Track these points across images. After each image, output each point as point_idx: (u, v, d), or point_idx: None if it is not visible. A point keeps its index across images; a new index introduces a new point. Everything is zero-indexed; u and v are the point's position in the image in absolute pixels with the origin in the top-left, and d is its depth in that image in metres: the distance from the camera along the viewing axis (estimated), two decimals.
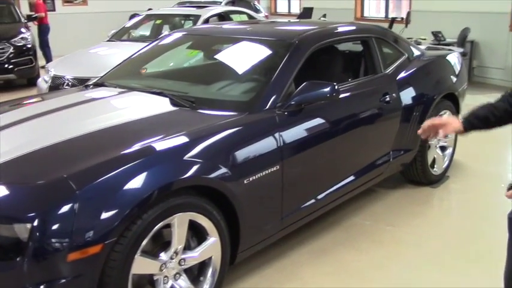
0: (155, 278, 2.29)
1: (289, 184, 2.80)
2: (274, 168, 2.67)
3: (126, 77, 3.55)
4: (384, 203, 3.87)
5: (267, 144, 2.66)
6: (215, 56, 3.60)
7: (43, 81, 5.80)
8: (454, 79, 4.23)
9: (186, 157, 2.34)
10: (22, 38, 8.41)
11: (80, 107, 2.95)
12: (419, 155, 3.85)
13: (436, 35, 8.23)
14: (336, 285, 2.81)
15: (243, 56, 3.29)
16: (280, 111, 2.79)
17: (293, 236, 3.25)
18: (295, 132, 2.84)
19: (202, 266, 2.50)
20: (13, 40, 8.29)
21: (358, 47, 3.85)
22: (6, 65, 8.09)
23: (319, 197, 3.08)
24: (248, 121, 2.67)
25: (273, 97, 2.80)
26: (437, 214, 3.84)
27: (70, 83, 5.38)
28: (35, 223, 1.91)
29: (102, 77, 3.57)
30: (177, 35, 3.89)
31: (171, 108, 2.82)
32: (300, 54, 3.05)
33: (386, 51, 3.82)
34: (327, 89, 2.83)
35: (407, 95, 3.71)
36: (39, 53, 9.29)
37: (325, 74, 3.48)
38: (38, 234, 1.91)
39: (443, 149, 4.15)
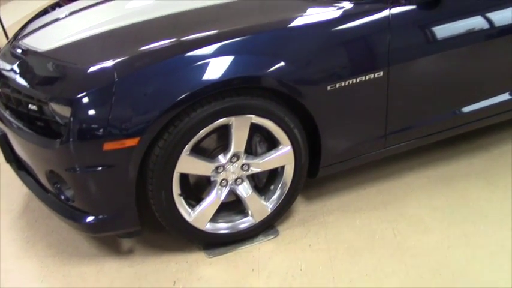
0: (212, 179, 2.14)
1: (400, 96, 2.28)
2: (376, 75, 2.18)
3: None
4: None
5: (369, 43, 2.16)
6: None
7: None
8: None
9: (251, 52, 2.01)
10: None
11: None
12: None
13: None
14: (441, 225, 2.32)
15: None
16: (402, 3, 2.19)
17: (413, 156, 2.76)
18: (420, 31, 2.24)
19: (274, 175, 2.27)
20: None
21: None
22: None
23: (449, 115, 2.49)
24: (347, 13, 2.15)
25: None
26: None
27: None
28: (74, 106, 1.88)
29: None
30: None
31: None
32: None
33: None
34: None
35: None
36: None
37: None
38: (76, 118, 1.87)
39: None
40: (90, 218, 2.05)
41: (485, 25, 2.36)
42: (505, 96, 2.61)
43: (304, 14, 2.18)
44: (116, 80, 1.89)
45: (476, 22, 2.35)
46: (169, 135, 1.95)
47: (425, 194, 2.52)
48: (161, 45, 2.03)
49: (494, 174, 2.64)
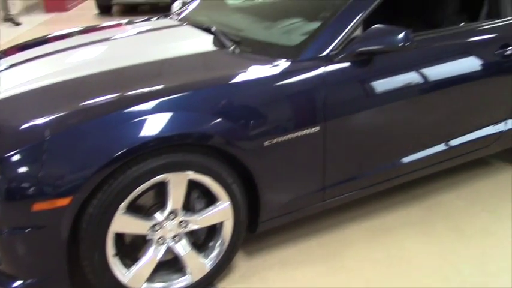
0: (148, 238, 2.09)
1: (337, 150, 2.33)
2: (313, 130, 2.22)
3: (206, 9, 3.26)
4: (495, 181, 3.12)
5: (305, 99, 2.22)
6: None
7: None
8: None
9: (190, 108, 2.02)
10: None
11: (119, 40, 2.78)
12: None
13: None
14: (380, 278, 2.34)
15: None
16: (336, 61, 2.27)
17: (353, 207, 2.79)
18: (354, 87, 2.33)
19: (213, 232, 2.23)
20: None
21: None
22: None
23: (387, 167, 2.56)
24: (283, 71, 2.20)
25: (327, 44, 2.28)
26: None
27: None
28: (2, 165, 1.81)
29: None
30: None
31: (208, 48, 2.49)
32: None
33: None
34: (398, 37, 2.23)
35: None
36: None
37: (429, 15, 2.82)
38: (4, 176, 1.80)
39: None
40: (17, 283, 1.93)
41: (416, 80, 2.47)
42: (440, 147, 2.72)
43: (243, 71, 2.21)
44: (48, 137, 1.83)
45: (408, 78, 2.46)
46: (103, 193, 1.89)
47: (365, 246, 2.54)
48: (99, 101, 2.00)
49: (429, 224, 2.70)
